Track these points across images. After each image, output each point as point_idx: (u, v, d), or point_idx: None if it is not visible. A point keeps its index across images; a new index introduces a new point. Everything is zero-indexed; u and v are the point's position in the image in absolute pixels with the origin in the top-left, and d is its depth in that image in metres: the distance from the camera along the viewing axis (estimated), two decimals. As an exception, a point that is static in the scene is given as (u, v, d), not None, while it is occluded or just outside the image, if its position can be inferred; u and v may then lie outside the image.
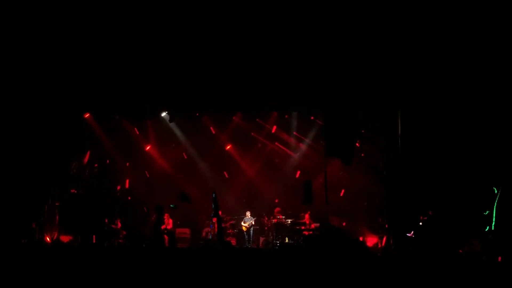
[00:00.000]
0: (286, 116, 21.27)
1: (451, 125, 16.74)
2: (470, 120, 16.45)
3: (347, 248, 12.05)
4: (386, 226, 19.09)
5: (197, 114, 21.44)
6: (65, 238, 18.71)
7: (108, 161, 21.96)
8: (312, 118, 20.87)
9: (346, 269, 9.72)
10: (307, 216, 20.28)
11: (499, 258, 12.46)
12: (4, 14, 15.32)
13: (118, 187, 22.25)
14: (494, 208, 13.19)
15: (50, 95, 17.94)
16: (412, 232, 17.00)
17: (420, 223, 16.84)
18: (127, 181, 22.43)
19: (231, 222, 21.37)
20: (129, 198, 22.17)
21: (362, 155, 20.48)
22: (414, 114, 17.65)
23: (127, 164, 22.47)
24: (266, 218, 21.12)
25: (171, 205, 17.61)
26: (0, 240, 15.85)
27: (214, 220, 18.19)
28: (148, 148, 22.58)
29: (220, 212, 20.21)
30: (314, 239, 17.14)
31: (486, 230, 13.29)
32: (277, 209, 21.13)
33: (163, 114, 21.01)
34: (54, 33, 16.12)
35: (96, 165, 21.67)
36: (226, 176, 22.97)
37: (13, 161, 17.24)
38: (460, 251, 15.30)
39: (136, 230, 20.02)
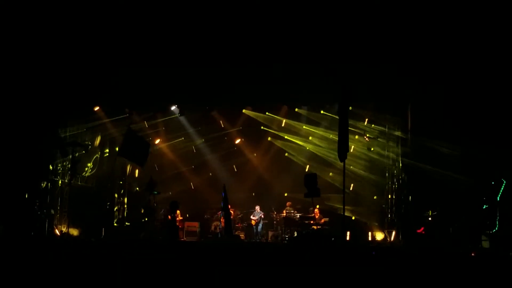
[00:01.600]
0: (296, 109, 21.19)
1: (459, 120, 16.65)
2: (478, 115, 16.36)
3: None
4: (395, 220, 19.05)
5: (207, 108, 21.43)
6: (74, 231, 18.81)
7: (117, 148, 22.03)
8: (322, 112, 20.76)
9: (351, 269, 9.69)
10: (316, 210, 20.25)
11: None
12: (19, 12, 15.44)
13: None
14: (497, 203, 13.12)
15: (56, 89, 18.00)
16: (422, 228, 16.94)
17: (429, 218, 16.79)
18: (137, 170, 22.52)
19: (240, 216, 21.40)
20: (137, 189, 22.24)
21: (372, 149, 20.41)
22: (424, 109, 17.59)
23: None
24: (275, 212, 21.11)
25: (155, 192, 17.55)
26: (10, 233, 15.93)
27: (219, 213, 18.26)
28: (157, 141, 22.63)
29: (229, 206, 20.35)
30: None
31: (488, 223, 13.21)
32: (289, 203, 21.12)
33: (173, 107, 21.02)
34: (69, 31, 16.24)
35: (107, 150, 21.75)
36: (235, 170, 22.97)
37: (21, 153, 17.31)
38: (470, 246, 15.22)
39: (144, 223, 20.10)
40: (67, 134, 19.88)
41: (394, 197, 19.57)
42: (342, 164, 12.60)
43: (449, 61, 16.32)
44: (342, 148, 11.92)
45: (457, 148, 16.63)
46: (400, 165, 19.23)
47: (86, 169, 20.61)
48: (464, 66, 16.15)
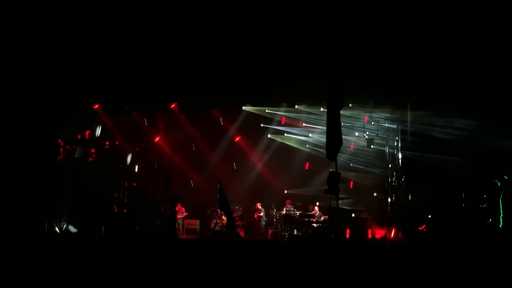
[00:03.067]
0: (296, 106, 21.14)
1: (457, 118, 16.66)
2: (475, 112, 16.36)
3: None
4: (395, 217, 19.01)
5: (206, 106, 21.40)
6: (73, 228, 18.80)
7: (117, 143, 22.10)
8: (321, 109, 20.72)
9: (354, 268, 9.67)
10: (316, 208, 20.24)
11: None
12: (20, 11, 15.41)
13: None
14: (500, 201, 13.08)
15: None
16: (424, 226, 16.92)
17: (429, 216, 16.79)
18: (136, 166, 22.56)
19: (240, 213, 21.36)
20: (134, 184, 22.29)
21: (372, 146, 20.38)
22: (423, 107, 17.59)
23: (137, 149, 22.60)
24: (275, 210, 21.07)
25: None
26: (9, 231, 15.89)
27: (217, 211, 18.25)
28: (157, 139, 22.63)
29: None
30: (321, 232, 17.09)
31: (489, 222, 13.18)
32: (288, 201, 21.07)
33: (173, 105, 21.02)
34: (69, 30, 16.23)
35: (107, 142, 21.76)
36: (235, 167, 22.95)
37: (23, 150, 17.28)
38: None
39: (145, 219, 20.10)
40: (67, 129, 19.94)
41: (394, 193, 19.53)
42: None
43: (448, 56, 16.23)
44: (332, 147, 11.62)
45: (458, 142, 16.62)
46: (400, 163, 19.22)
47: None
48: (463, 59, 16.06)
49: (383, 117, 19.84)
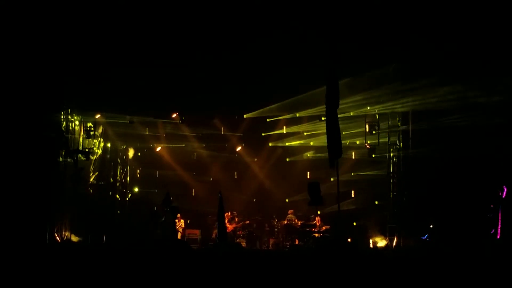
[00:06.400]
0: (297, 114, 21.15)
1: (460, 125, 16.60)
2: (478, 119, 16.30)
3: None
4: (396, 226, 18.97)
5: (208, 115, 21.44)
6: (75, 238, 18.76)
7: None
8: (323, 118, 20.70)
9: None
10: (318, 218, 20.18)
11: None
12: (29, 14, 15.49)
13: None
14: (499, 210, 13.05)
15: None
16: (427, 236, 16.88)
17: (431, 226, 16.74)
18: (138, 170, 22.59)
19: (241, 223, 21.30)
20: (136, 189, 22.28)
21: (373, 155, 20.36)
22: (424, 114, 17.57)
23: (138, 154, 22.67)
24: (276, 220, 21.01)
25: (167, 208, 17.41)
26: (11, 240, 15.87)
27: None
28: (158, 148, 22.66)
29: (229, 213, 20.30)
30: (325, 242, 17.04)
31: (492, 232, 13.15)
32: (291, 211, 21.01)
33: (174, 115, 21.04)
34: (70, 39, 16.28)
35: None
36: (236, 177, 22.96)
37: (25, 161, 17.28)
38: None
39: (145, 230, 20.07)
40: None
41: (395, 201, 19.47)
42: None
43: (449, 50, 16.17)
44: (333, 152, 11.37)
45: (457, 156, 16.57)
46: (401, 167, 19.18)
47: (91, 175, 20.65)
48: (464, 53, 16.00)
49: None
